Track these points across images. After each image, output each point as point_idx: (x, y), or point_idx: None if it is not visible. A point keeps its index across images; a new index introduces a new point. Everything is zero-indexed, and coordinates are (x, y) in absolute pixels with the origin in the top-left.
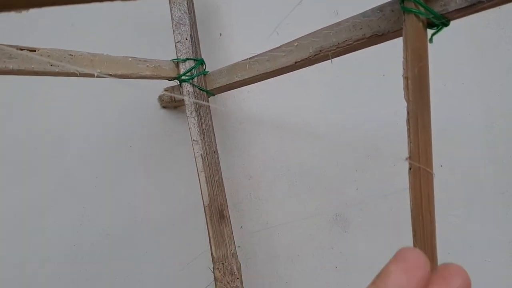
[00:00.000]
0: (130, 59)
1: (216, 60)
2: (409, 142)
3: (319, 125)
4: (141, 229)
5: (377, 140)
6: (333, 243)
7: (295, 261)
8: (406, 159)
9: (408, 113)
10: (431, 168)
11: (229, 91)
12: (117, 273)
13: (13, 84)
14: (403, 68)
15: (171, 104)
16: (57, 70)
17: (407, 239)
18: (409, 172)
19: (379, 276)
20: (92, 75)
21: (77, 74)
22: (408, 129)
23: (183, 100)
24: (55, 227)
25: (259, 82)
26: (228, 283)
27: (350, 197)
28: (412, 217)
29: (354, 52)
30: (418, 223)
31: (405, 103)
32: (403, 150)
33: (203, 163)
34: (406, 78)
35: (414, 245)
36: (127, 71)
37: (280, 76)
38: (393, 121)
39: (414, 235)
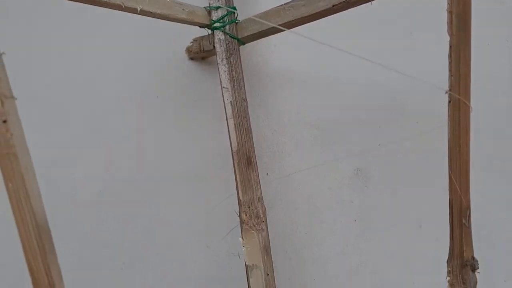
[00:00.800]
0: (169, 0)
1: (247, 9)
2: (450, 76)
3: (344, 80)
4: (167, 176)
5: (401, 96)
6: (353, 197)
7: (315, 213)
8: (447, 92)
9: (450, 47)
10: (469, 101)
11: (256, 45)
12: (143, 218)
13: (51, 24)
14: (448, 3)
15: (198, 55)
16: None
17: (426, 197)
18: (448, 105)
19: None
20: (135, 10)
21: (122, 6)
22: (450, 63)
23: (211, 50)
24: (82, 173)
25: (285, 36)
26: (254, 225)
27: (372, 152)
28: (449, 148)
29: (382, 7)
30: (455, 154)
31: (431, 59)
32: (427, 106)
33: (232, 110)
34: (450, 12)
35: (450, 177)
36: (166, 11)
37: (306, 30)
38: (419, 78)
39: (450, 166)
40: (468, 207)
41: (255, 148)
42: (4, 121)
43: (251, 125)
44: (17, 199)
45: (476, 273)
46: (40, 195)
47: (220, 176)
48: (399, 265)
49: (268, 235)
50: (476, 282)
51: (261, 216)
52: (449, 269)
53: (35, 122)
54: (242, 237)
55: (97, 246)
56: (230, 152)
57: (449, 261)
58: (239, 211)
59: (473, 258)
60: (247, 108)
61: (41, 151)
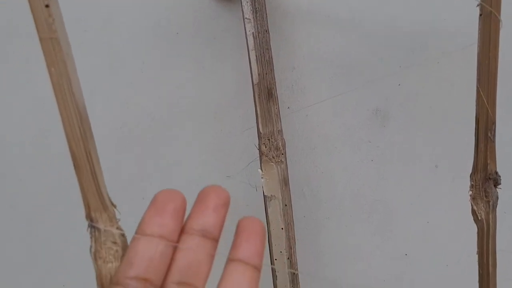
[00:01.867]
0: None
1: None
2: None
3: (365, 18)
4: (187, 112)
5: (423, 35)
6: (371, 136)
7: (332, 152)
8: (478, 4)
9: None
10: (499, 14)
11: None
12: (163, 155)
13: None
14: None
15: None
16: None
17: (443, 138)
18: (479, 18)
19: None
20: None
21: None
22: None
23: None
24: (102, 108)
25: None
26: (273, 157)
27: (391, 92)
28: (478, 62)
29: None
30: (484, 67)
31: None
32: (449, 45)
33: (254, 41)
34: None
35: (478, 90)
36: None
37: None
38: (441, 17)
39: (479, 79)
40: (494, 122)
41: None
42: (47, 6)
43: (272, 58)
44: (60, 84)
45: (498, 188)
46: (80, 83)
47: (240, 110)
48: (414, 204)
49: (287, 167)
50: (497, 197)
51: (281, 148)
52: (472, 183)
53: None
54: (261, 169)
55: (117, 181)
56: (251, 86)
57: (473, 174)
58: (258, 143)
59: (496, 173)
60: (269, 40)
61: None
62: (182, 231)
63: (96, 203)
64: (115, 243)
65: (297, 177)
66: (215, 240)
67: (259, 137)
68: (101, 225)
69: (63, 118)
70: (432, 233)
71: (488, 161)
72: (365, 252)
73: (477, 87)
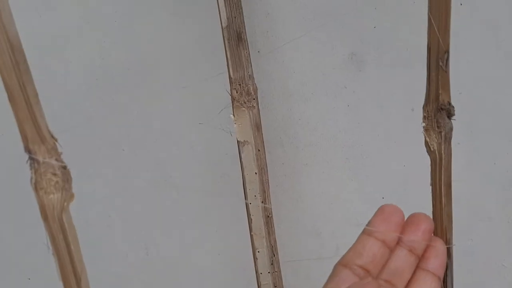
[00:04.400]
0: None
1: None
2: None
3: None
4: (160, 60)
5: None
6: (346, 82)
7: (309, 99)
8: None
9: None
10: None
11: None
12: (138, 105)
13: None
14: None
15: None
16: None
17: (422, 81)
18: None
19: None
20: None
21: None
22: None
23: None
24: (77, 59)
25: None
26: (245, 102)
27: (367, 36)
28: None
29: None
30: None
31: None
32: None
33: None
34: None
35: (429, 18)
36: None
37: None
38: None
39: (430, 7)
40: (447, 51)
41: (247, 31)
42: None
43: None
44: None
45: (452, 119)
46: (10, 11)
47: (212, 56)
48: (391, 148)
49: (259, 112)
50: (451, 128)
51: (252, 93)
52: (425, 114)
53: (24, 6)
54: (233, 114)
55: (95, 132)
56: (220, 29)
57: (425, 106)
58: (230, 89)
59: (449, 103)
60: None
61: (33, 38)
62: (397, 241)
63: (34, 135)
64: (55, 174)
65: (274, 124)
66: (417, 257)
67: (230, 83)
68: (39, 157)
69: None
70: (408, 176)
71: (440, 91)
72: (343, 196)
73: (428, 15)
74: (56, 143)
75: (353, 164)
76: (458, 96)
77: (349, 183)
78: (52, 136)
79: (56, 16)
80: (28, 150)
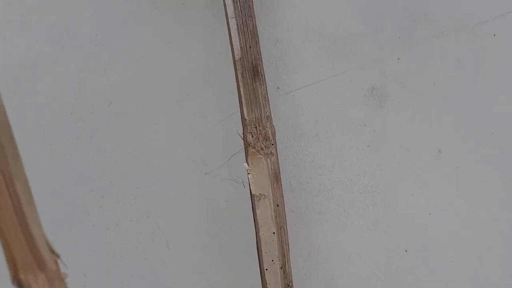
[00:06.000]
0: None
1: None
2: None
3: None
4: (151, 95)
5: (426, 3)
6: (366, 119)
7: (323, 138)
8: None
9: None
10: None
11: None
12: (122, 146)
13: None
14: None
15: None
16: None
17: (450, 120)
18: None
19: None
20: None
21: None
22: None
23: None
24: (49, 90)
25: None
26: (262, 149)
27: (389, 68)
28: None
29: None
30: None
31: None
32: (456, 15)
33: (234, 6)
34: None
35: None
36: None
37: None
38: None
39: None
40: None
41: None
42: None
43: (257, 26)
44: None
45: None
46: None
47: (219, 91)
48: (415, 195)
49: (278, 160)
50: None
51: (270, 137)
52: None
53: None
54: (247, 162)
55: (67, 181)
56: (231, 62)
57: None
58: (243, 132)
59: None
60: (252, 5)
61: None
62: None
63: (27, 260)
64: None
65: (283, 167)
66: None
67: (244, 125)
68: None
69: None
70: (434, 227)
71: None
72: (361, 249)
73: None
74: (59, 262)
75: (373, 212)
76: None
77: (368, 233)
78: (54, 252)
79: (25, 39)
80: (17, 282)
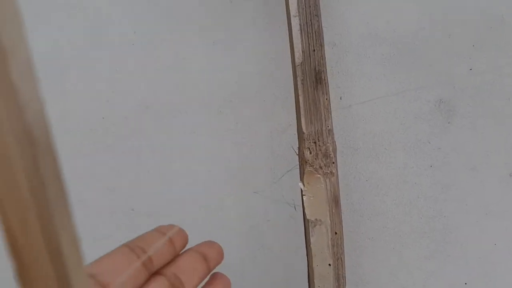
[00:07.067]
0: None
1: None
2: None
3: None
4: (191, 100)
5: (503, 8)
6: (431, 136)
7: (380, 155)
8: None
9: None
10: None
11: None
12: (157, 155)
13: None
14: None
15: None
16: None
17: None
18: None
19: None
20: None
21: None
22: None
23: None
24: (79, 92)
25: None
26: (321, 167)
27: (460, 79)
28: None
29: None
30: None
31: None
32: None
33: (298, 4)
34: None
35: None
36: None
37: None
38: None
39: None
40: None
41: None
42: None
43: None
44: None
45: None
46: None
47: (271, 100)
48: (481, 222)
49: (338, 181)
50: None
51: (331, 155)
52: None
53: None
54: (302, 182)
55: (101, 188)
56: (286, 66)
57: None
58: (299, 147)
59: None
60: (319, 2)
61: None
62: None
63: None
64: None
65: None
66: None
67: (301, 139)
68: None
69: None
70: (499, 259)
71: None
72: (418, 281)
73: None
74: None
75: (432, 240)
76: None
77: (426, 264)
78: None
79: (54, 36)
80: None
